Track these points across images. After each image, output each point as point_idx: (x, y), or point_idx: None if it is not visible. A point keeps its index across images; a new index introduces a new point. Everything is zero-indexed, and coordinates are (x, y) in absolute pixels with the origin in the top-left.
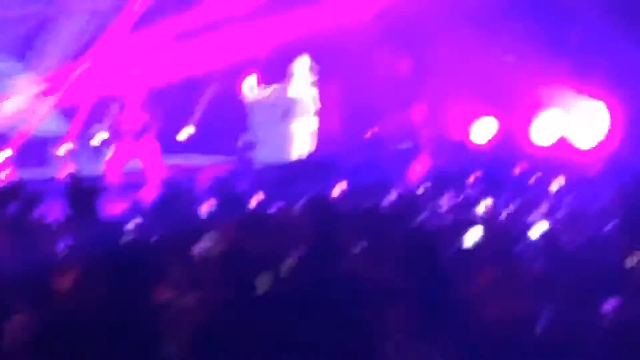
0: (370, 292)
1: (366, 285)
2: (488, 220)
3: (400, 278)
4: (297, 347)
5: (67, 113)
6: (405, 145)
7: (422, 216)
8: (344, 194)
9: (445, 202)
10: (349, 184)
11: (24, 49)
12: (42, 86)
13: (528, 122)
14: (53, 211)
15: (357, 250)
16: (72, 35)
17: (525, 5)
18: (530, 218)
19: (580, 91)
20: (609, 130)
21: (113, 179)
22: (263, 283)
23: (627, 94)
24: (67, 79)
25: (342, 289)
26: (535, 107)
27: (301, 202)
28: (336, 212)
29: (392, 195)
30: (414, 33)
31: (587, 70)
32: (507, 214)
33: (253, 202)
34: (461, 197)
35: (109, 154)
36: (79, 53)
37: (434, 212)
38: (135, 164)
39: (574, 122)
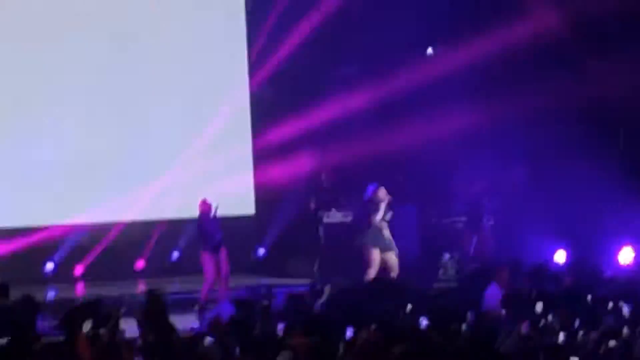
0: None
1: None
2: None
3: None
4: None
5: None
6: (480, 266)
7: (501, 340)
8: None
9: (524, 326)
10: (424, 307)
11: None
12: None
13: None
14: (129, 328)
15: None
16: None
17: None
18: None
19: None
20: None
21: (201, 295)
22: None
23: None
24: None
25: None
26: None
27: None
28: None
29: (470, 318)
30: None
31: None
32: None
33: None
34: (542, 322)
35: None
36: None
37: (512, 336)
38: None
39: None
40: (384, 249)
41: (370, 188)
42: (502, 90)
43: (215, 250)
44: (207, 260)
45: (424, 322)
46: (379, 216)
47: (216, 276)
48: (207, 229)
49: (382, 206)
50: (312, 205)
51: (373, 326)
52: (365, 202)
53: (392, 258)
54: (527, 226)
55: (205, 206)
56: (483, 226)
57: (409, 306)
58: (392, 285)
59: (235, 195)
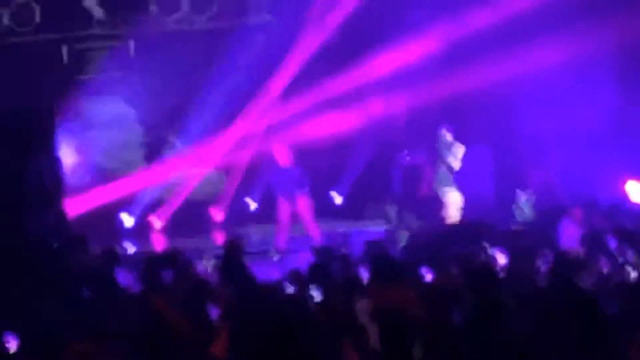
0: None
1: (530, 348)
2: None
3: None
4: None
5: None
6: (554, 206)
7: (581, 278)
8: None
9: (604, 264)
10: (504, 248)
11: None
12: (195, 152)
13: None
14: (206, 277)
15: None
16: (221, 101)
17: None
18: None
19: None
20: None
21: (277, 243)
22: (418, 350)
23: None
24: (220, 145)
25: (509, 351)
26: None
27: (457, 267)
28: (494, 275)
29: (549, 256)
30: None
31: None
32: None
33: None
34: (620, 259)
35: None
36: (229, 118)
37: (592, 274)
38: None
39: None
40: (457, 190)
41: (443, 130)
42: (586, 24)
43: (290, 198)
44: (282, 209)
45: (501, 259)
46: (452, 157)
47: (290, 224)
48: (281, 177)
49: (455, 148)
50: (387, 150)
51: (452, 268)
52: (438, 144)
53: (461, 199)
54: (606, 164)
55: (279, 153)
56: (551, 165)
57: (487, 246)
58: (469, 227)
59: (310, 142)
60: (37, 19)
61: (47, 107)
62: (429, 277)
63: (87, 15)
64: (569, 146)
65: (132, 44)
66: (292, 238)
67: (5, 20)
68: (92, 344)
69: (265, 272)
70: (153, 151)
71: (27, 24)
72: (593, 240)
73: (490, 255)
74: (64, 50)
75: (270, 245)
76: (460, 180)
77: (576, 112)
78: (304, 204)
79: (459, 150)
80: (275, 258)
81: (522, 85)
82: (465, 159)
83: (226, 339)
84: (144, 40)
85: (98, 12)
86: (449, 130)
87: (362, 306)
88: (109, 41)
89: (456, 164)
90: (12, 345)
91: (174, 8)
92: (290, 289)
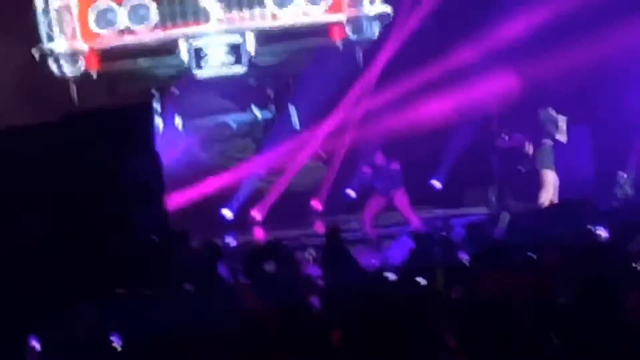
0: None
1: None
2: None
3: None
4: None
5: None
6: None
7: None
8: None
9: None
10: (607, 226)
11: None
12: (293, 143)
13: None
14: (308, 267)
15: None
16: (319, 91)
17: None
18: None
19: None
20: None
21: (369, 231)
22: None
23: None
24: (317, 135)
25: (619, 331)
26: None
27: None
28: (599, 254)
29: None
30: None
31: None
32: None
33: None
34: None
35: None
36: (327, 109)
37: None
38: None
39: None
40: (555, 170)
41: (543, 109)
42: None
43: (386, 194)
44: (375, 200)
45: (603, 234)
46: (559, 133)
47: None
48: (377, 174)
49: (558, 126)
50: (485, 133)
51: (556, 249)
52: (541, 122)
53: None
54: None
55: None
56: None
57: (590, 226)
58: (571, 206)
59: (407, 129)
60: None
61: (145, 103)
62: (531, 259)
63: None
64: None
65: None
66: (391, 226)
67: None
68: (196, 338)
69: (366, 259)
70: (252, 143)
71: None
72: None
73: (594, 234)
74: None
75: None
76: (560, 159)
77: None
78: (401, 199)
79: (564, 124)
80: (374, 244)
81: (623, 63)
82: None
83: (334, 329)
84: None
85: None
86: (548, 110)
87: (465, 292)
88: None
89: (563, 137)
90: (118, 344)
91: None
92: (392, 276)
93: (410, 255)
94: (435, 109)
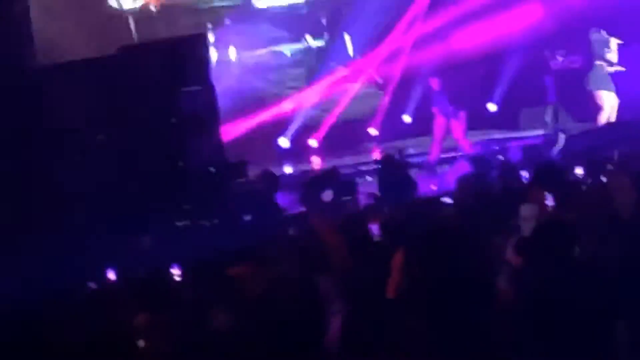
0: None
1: None
2: None
3: None
4: None
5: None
6: None
7: None
8: None
9: None
10: None
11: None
12: (347, 70)
13: None
14: (366, 196)
15: None
16: (372, 18)
17: None
18: None
19: None
20: None
21: (431, 156)
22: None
23: None
24: (371, 62)
25: None
26: None
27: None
28: None
29: None
30: None
31: None
32: None
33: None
34: None
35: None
36: (380, 36)
37: None
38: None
39: None
40: (613, 91)
41: (594, 31)
42: None
43: (445, 115)
44: (437, 124)
45: None
46: (611, 54)
47: (444, 139)
48: (436, 98)
49: (612, 43)
50: (540, 55)
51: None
52: (593, 44)
53: (617, 100)
54: None
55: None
56: None
57: None
58: (627, 126)
59: (461, 53)
60: None
61: (200, 35)
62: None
63: None
64: None
65: None
66: (447, 150)
67: None
68: (251, 266)
69: (424, 184)
70: (306, 71)
71: None
72: None
73: None
74: None
75: (426, 158)
76: (617, 80)
77: None
78: (457, 126)
79: (616, 45)
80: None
81: None
82: (621, 59)
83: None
84: None
85: None
86: (600, 31)
87: (525, 211)
88: None
89: (614, 57)
90: (177, 272)
91: None
92: (448, 201)
93: (467, 179)
94: (488, 31)
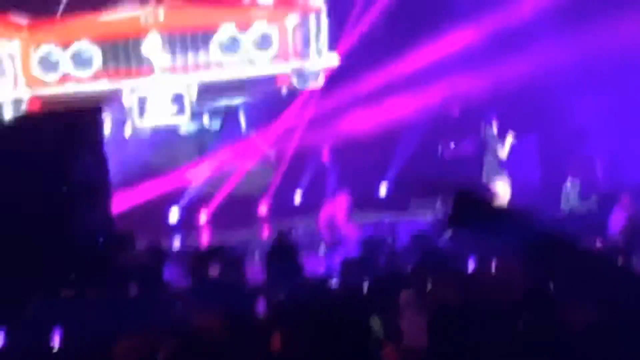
0: None
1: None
2: None
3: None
4: None
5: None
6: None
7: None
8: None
9: None
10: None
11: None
12: (240, 146)
13: None
14: (254, 272)
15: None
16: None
17: None
18: None
19: None
20: None
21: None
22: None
23: None
24: (265, 139)
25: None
26: None
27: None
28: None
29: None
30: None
31: None
32: None
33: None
34: None
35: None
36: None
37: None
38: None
39: None
40: (505, 179)
41: (486, 126)
42: (633, 9)
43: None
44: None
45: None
46: (500, 147)
47: (328, 218)
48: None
49: (507, 139)
50: (434, 141)
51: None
52: (485, 134)
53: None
54: None
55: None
56: (597, 153)
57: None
58: (515, 216)
59: (355, 134)
60: None
61: (96, 109)
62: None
63: None
64: (615, 134)
65: None
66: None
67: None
68: (139, 340)
69: (313, 264)
70: (198, 146)
71: None
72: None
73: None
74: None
75: (316, 238)
76: (507, 169)
77: (622, 99)
78: (340, 208)
79: (507, 139)
80: (322, 251)
81: (567, 73)
82: (511, 148)
83: (278, 336)
84: None
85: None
86: (495, 120)
87: (404, 296)
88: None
89: (503, 153)
90: (56, 343)
91: None
92: (337, 284)
93: (355, 261)
94: (382, 114)
